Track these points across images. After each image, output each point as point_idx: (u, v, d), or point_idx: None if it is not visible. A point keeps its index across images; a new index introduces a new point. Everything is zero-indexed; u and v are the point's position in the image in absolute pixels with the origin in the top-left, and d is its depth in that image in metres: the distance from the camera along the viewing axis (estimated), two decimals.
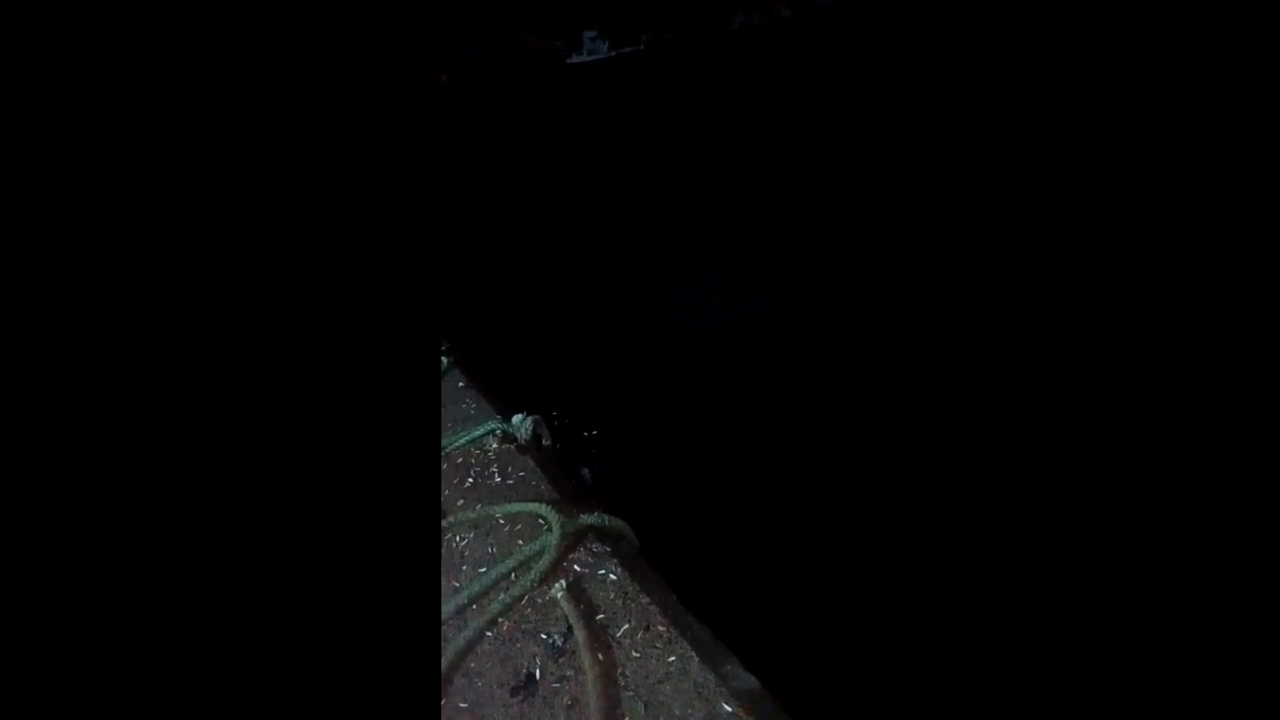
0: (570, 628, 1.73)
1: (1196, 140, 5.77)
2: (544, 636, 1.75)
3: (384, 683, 0.76)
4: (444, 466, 2.40)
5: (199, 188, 0.76)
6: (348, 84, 0.81)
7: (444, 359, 3.04)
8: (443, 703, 1.62)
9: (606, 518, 2.05)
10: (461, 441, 2.46)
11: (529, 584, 1.87)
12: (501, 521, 2.13)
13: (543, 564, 1.90)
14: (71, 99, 0.72)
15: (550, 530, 1.98)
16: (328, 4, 0.80)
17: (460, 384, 2.92)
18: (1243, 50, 7.00)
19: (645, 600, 1.81)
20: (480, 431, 2.48)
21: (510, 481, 2.32)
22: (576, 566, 1.94)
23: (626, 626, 1.74)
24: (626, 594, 1.84)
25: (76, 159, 0.73)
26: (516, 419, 2.49)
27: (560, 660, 1.69)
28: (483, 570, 1.95)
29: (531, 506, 2.10)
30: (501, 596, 1.85)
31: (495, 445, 2.49)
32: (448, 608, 1.84)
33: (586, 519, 2.04)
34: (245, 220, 0.77)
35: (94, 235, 0.73)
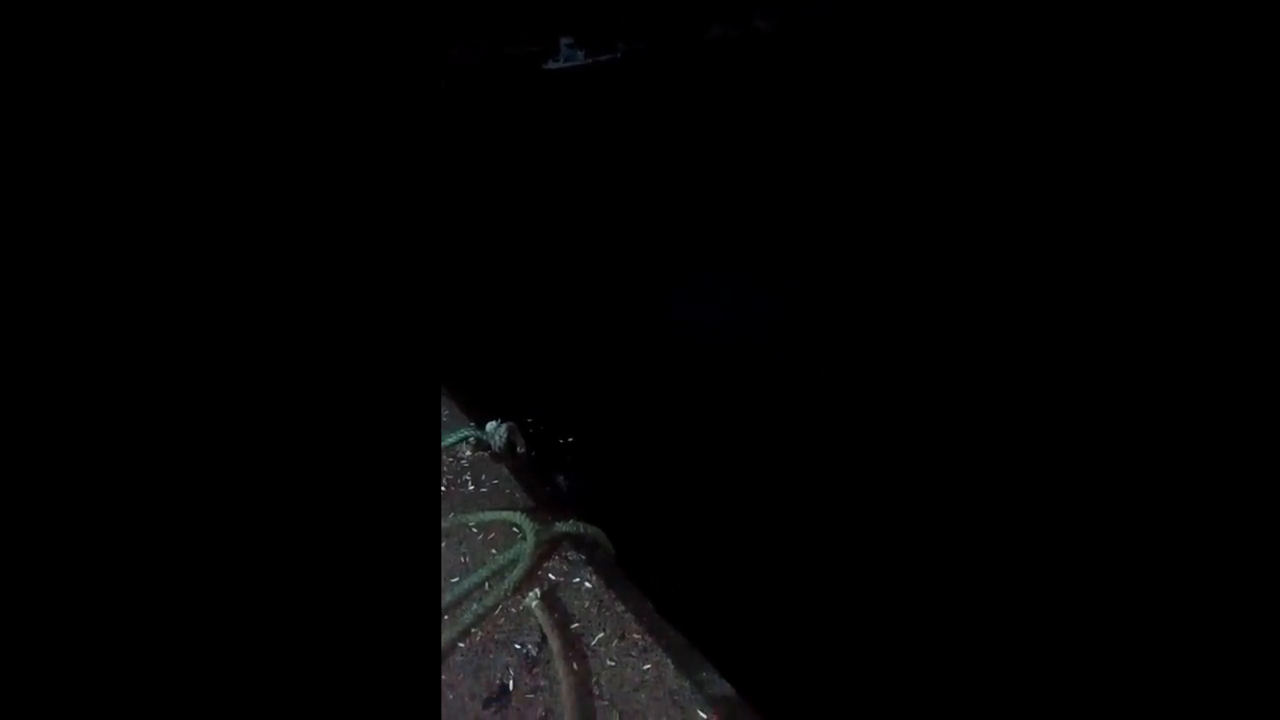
0: (544, 637, 1.71)
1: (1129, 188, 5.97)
2: (518, 646, 1.73)
3: (383, 684, 0.76)
4: None
5: (209, 191, 0.75)
6: (356, 91, 0.81)
7: None
8: None
9: (582, 525, 2.04)
10: None
11: (503, 593, 1.85)
12: (475, 530, 2.10)
13: (517, 573, 1.88)
14: (71, 100, 0.71)
15: (524, 538, 1.96)
16: (329, 12, 0.79)
17: None
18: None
19: (620, 608, 1.80)
20: (454, 439, 2.45)
21: (484, 489, 2.29)
22: (551, 575, 1.93)
23: (601, 635, 1.73)
24: (602, 602, 1.83)
25: (75, 162, 0.71)
26: (490, 426, 2.47)
27: (534, 670, 1.67)
28: (455, 580, 1.92)
29: (505, 514, 2.08)
30: (475, 606, 1.82)
31: (469, 452, 2.46)
32: None
33: (561, 527, 2.02)
34: (254, 227, 0.77)
35: (98, 245, 0.72)
